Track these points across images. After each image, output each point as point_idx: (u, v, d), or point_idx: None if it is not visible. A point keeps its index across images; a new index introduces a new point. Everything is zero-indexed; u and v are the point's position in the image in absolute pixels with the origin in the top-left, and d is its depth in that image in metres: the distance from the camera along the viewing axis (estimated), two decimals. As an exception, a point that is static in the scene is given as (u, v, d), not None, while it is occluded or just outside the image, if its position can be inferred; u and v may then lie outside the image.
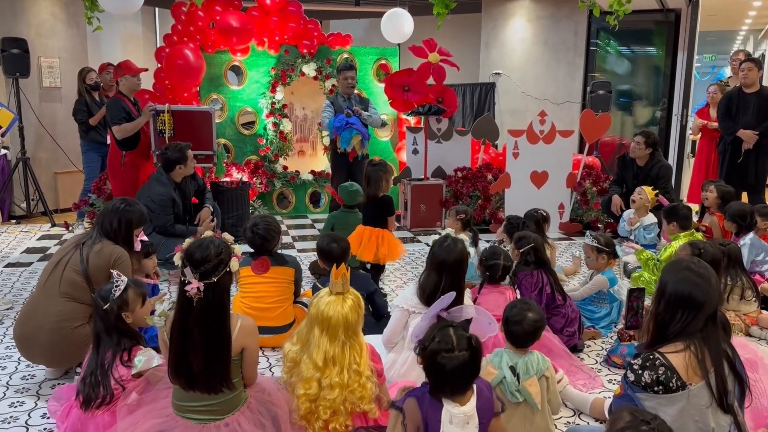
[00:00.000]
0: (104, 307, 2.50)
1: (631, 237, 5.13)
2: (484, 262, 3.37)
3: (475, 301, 3.31)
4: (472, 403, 1.96)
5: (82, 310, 2.94)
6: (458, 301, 2.58)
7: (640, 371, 1.99)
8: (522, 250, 3.54)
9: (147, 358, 2.47)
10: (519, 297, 3.34)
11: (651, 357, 2.00)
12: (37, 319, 2.91)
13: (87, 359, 2.53)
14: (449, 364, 1.89)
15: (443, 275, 2.70)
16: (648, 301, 2.82)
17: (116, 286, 2.57)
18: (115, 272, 2.65)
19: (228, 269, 2.16)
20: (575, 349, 3.33)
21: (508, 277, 3.41)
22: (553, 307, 3.38)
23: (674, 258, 2.17)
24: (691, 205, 5.23)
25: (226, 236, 2.24)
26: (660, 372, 1.96)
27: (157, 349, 2.59)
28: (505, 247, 3.98)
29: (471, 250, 4.60)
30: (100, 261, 2.96)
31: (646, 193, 5.02)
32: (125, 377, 2.44)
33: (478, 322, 2.44)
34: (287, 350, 2.35)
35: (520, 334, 2.43)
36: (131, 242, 3.17)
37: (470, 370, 1.93)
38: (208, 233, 2.24)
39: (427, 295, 2.71)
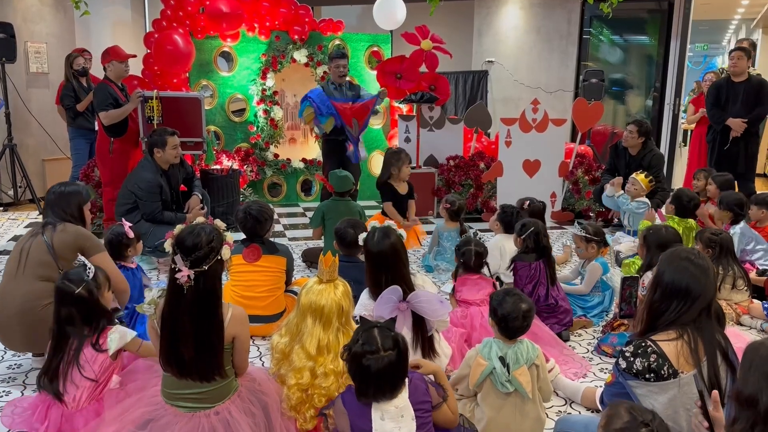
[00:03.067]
0: (77, 291, 2.42)
1: (617, 202, 5.18)
2: (457, 251, 3.39)
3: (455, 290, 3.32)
4: (403, 396, 1.93)
5: (51, 288, 2.90)
6: (405, 290, 2.53)
7: (632, 358, 1.99)
8: (523, 236, 3.51)
9: (120, 335, 2.43)
10: (502, 286, 3.32)
11: (643, 344, 1.99)
12: (6, 307, 2.88)
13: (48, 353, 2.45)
14: (375, 366, 1.85)
15: (383, 268, 2.67)
16: (641, 290, 2.82)
17: (89, 268, 2.54)
18: (80, 256, 2.61)
19: (219, 257, 2.12)
20: (560, 337, 3.32)
21: (486, 268, 3.38)
22: (544, 304, 3.36)
23: (674, 249, 2.16)
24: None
25: (218, 222, 2.20)
26: (652, 359, 1.96)
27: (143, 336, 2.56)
28: (480, 238, 3.95)
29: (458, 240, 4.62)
30: (67, 238, 2.98)
31: (639, 182, 5.01)
32: (103, 361, 2.39)
33: (430, 302, 2.43)
34: (276, 343, 2.33)
35: (517, 329, 2.41)
36: (84, 220, 3.18)
37: (397, 370, 1.89)
38: (200, 219, 2.20)
39: (378, 293, 2.61)
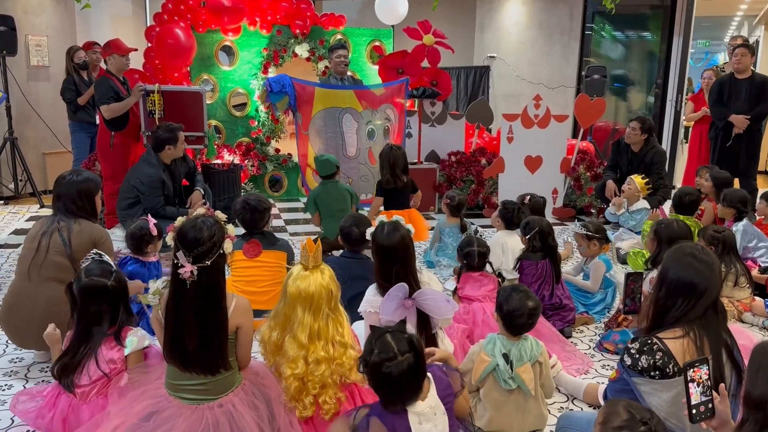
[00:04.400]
0: (109, 283, 2.41)
1: (618, 220, 5.17)
2: (460, 252, 3.36)
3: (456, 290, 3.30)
4: (432, 393, 1.91)
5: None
6: (412, 286, 2.50)
7: (637, 355, 1.98)
8: (528, 236, 3.49)
9: (138, 339, 2.44)
10: (504, 283, 3.31)
11: (649, 341, 1.99)
12: (26, 309, 2.86)
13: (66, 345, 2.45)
14: (396, 371, 1.79)
15: (394, 262, 2.60)
16: (645, 286, 2.82)
17: (111, 263, 2.54)
18: (94, 250, 2.61)
19: (222, 251, 2.11)
20: (562, 333, 3.31)
21: (489, 265, 3.37)
22: (549, 303, 3.35)
23: (678, 245, 2.15)
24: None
25: (219, 214, 2.19)
26: (657, 357, 1.95)
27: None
28: (481, 234, 3.93)
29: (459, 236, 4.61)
30: (83, 239, 2.94)
31: (635, 183, 5.02)
32: (118, 359, 2.39)
33: (435, 301, 2.42)
34: (267, 337, 2.30)
35: (522, 326, 2.40)
36: (96, 211, 3.13)
37: (417, 370, 1.85)
38: (201, 211, 2.18)
39: (388, 288, 2.56)
